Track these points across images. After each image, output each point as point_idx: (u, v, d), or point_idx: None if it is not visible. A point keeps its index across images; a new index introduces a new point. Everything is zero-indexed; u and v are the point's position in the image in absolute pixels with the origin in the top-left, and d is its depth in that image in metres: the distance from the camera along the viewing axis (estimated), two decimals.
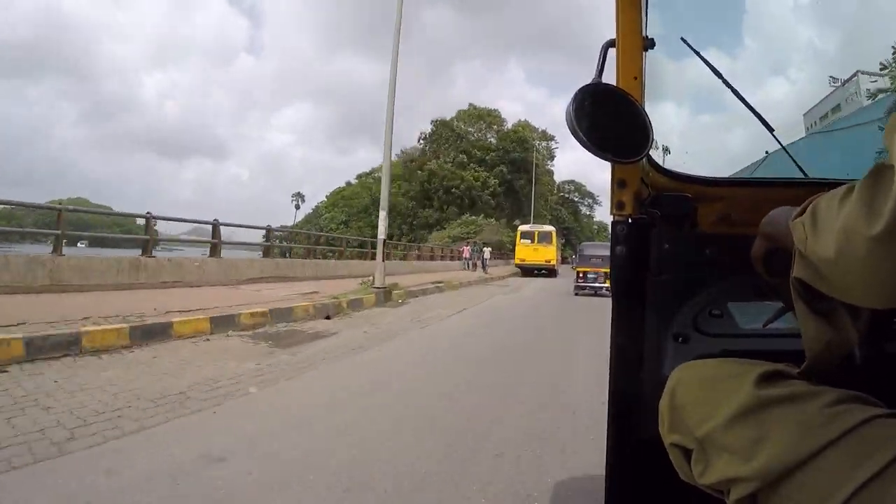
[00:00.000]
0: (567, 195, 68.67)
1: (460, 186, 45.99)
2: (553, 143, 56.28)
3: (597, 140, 0.86)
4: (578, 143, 0.84)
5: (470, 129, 50.68)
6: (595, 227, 70.18)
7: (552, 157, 57.76)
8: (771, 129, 1.04)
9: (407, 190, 47.09)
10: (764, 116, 1.03)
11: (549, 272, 25.14)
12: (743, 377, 0.63)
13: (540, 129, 55.58)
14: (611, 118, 0.89)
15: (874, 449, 0.48)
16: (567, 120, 0.85)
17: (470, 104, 53.16)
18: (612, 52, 0.96)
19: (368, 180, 52.25)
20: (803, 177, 1.07)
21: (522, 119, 51.90)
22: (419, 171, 47.43)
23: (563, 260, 51.20)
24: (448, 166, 47.13)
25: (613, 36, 0.96)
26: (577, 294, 13.50)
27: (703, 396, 0.66)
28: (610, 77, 0.95)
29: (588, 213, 71.10)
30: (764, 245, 0.70)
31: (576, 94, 0.87)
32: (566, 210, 62.65)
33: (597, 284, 13.41)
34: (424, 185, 47.15)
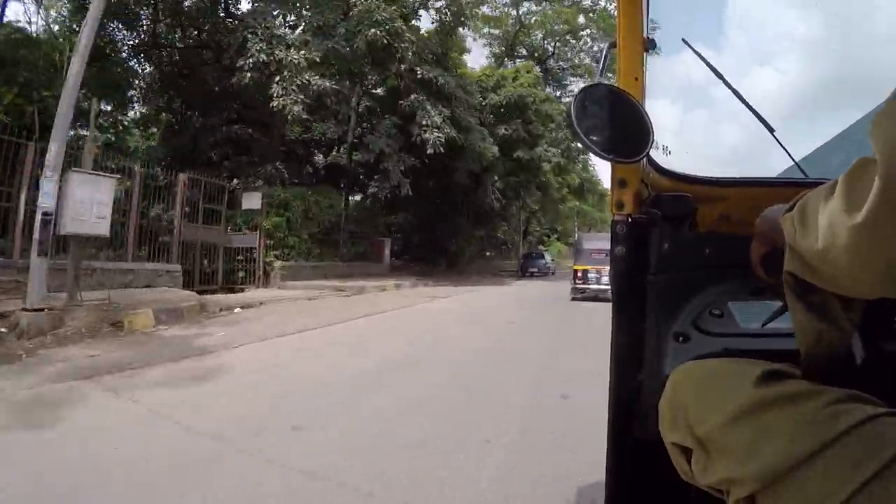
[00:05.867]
0: None
1: None
2: None
3: (598, 140, 0.87)
4: (580, 143, 0.85)
5: None
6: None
7: None
8: (771, 130, 1.05)
9: None
10: (764, 117, 1.04)
11: None
12: (743, 377, 0.63)
13: None
14: (612, 118, 0.90)
15: (874, 448, 0.48)
16: (568, 120, 0.86)
17: None
18: (613, 52, 0.97)
19: None
20: (803, 177, 1.08)
21: None
22: None
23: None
24: None
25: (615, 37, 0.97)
26: (574, 298, 10.45)
27: (704, 396, 0.67)
28: (611, 78, 0.95)
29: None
30: (761, 248, 0.71)
31: (577, 95, 0.88)
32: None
33: (599, 286, 10.14)
34: None
